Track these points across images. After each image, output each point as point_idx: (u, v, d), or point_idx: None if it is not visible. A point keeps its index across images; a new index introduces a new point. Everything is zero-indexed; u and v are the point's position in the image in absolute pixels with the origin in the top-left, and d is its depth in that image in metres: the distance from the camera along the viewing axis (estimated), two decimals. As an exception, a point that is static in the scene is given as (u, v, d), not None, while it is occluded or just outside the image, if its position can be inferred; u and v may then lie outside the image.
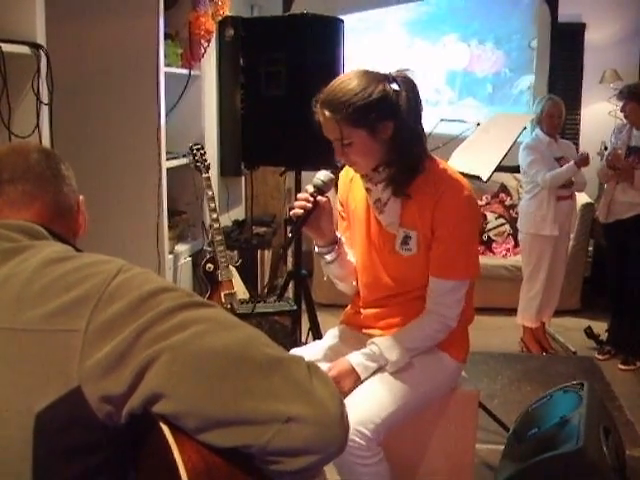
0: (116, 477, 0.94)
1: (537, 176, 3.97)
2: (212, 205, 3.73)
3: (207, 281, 3.82)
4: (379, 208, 1.96)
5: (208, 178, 3.75)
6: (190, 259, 3.98)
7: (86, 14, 3.27)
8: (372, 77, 1.84)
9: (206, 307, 0.97)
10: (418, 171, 1.89)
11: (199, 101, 4.05)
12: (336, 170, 2.00)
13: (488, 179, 3.07)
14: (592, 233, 4.91)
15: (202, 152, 3.78)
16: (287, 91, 2.99)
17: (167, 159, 3.50)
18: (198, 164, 3.75)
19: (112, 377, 0.90)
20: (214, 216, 3.73)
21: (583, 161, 3.89)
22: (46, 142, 2.44)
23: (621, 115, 4.13)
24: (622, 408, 3.40)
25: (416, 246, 1.93)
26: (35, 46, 2.37)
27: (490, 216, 5.35)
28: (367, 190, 1.98)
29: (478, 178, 3.02)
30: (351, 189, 2.09)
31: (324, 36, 3.07)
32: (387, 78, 1.85)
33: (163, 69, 3.37)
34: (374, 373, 1.92)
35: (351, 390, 1.88)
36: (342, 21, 3.15)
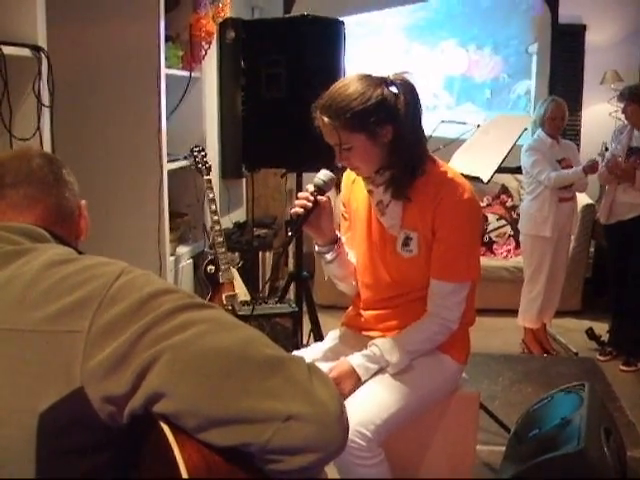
0: (117, 477, 0.94)
1: (541, 175, 3.97)
2: (213, 207, 3.74)
3: (208, 283, 3.82)
4: (381, 210, 1.97)
5: (209, 180, 3.76)
6: (191, 261, 3.98)
7: (87, 16, 3.28)
8: (370, 81, 1.84)
9: (207, 308, 0.98)
10: (418, 173, 1.90)
11: (200, 103, 4.05)
12: (337, 171, 2.00)
13: (489, 180, 3.07)
14: (593, 234, 4.91)
15: (203, 154, 3.79)
16: (288, 93, 2.99)
17: (168, 161, 3.50)
18: (199, 166, 3.76)
19: (114, 378, 0.90)
20: (215, 218, 3.73)
21: (591, 168, 3.89)
22: (47, 145, 2.44)
23: (622, 116, 4.14)
24: (623, 409, 3.40)
25: (417, 247, 1.93)
26: (36, 48, 2.37)
27: (491, 217, 5.35)
28: (369, 192, 1.99)
29: (479, 179, 3.03)
30: (353, 190, 2.10)
31: (325, 38, 3.07)
32: (385, 82, 1.86)
33: (164, 71, 3.37)
34: (375, 374, 1.92)
35: (351, 391, 1.88)
36: (343, 23, 3.14)
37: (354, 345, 2.04)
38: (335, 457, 0.95)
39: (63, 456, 0.91)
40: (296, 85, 2.97)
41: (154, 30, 3.29)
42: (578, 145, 4.90)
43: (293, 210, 1.92)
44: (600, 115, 5.52)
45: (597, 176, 4.14)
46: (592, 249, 5.10)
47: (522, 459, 2.23)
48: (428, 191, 1.89)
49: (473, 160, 3.15)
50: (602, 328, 4.31)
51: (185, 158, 3.83)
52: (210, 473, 0.90)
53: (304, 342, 3.09)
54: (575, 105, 5.58)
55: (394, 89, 1.85)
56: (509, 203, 5.42)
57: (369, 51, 5.49)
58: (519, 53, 5.68)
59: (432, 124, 3.29)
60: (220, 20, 4.07)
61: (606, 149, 4.13)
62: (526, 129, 3.33)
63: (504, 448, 2.48)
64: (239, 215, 4.95)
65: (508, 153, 3.09)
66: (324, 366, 1.92)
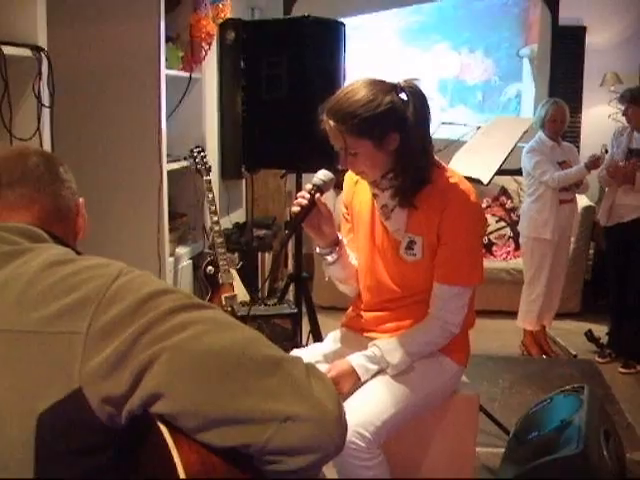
0: (116, 478, 0.94)
1: (544, 176, 3.96)
2: (213, 208, 3.74)
3: (208, 284, 3.82)
4: (386, 214, 1.96)
5: (209, 181, 3.76)
6: (191, 262, 3.98)
7: (87, 17, 3.28)
8: (380, 88, 1.82)
9: (205, 308, 0.98)
10: (425, 182, 1.89)
11: (200, 104, 4.05)
12: (337, 171, 1.99)
13: (489, 182, 3.07)
14: (593, 236, 4.91)
15: (203, 155, 3.79)
16: (288, 94, 2.99)
17: (168, 162, 3.50)
18: (199, 167, 3.76)
19: (113, 378, 0.90)
20: (215, 219, 3.73)
21: (593, 163, 3.88)
22: (47, 145, 2.44)
23: (622, 118, 4.13)
24: (622, 411, 3.40)
25: (421, 251, 1.92)
26: (36, 49, 2.37)
27: (491, 219, 5.34)
28: (374, 195, 1.98)
29: (479, 181, 3.02)
30: (356, 192, 2.09)
31: (325, 39, 3.07)
32: (395, 88, 1.84)
33: (164, 72, 3.37)
34: (375, 375, 1.92)
35: (350, 391, 1.88)
36: (343, 24, 3.14)
37: (354, 346, 2.04)
38: (334, 457, 0.95)
39: (62, 457, 0.91)
40: (296, 86, 2.97)
41: (154, 31, 3.29)
42: (578, 147, 4.89)
43: (292, 209, 1.92)
44: (600, 117, 5.52)
45: (597, 178, 4.15)
46: (592, 251, 5.10)
47: (521, 461, 2.23)
48: (434, 196, 1.88)
49: (473, 162, 3.15)
50: (601, 330, 4.31)
51: (185, 159, 3.83)
52: (208, 474, 0.90)
53: (303, 343, 3.08)
54: (575, 107, 5.57)
55: (404, 96, 1.83)
56: (508, 205, 5.42)
57: (363, 55, 5.50)
58: (510, 56, 5.77)
59: (430, 126, 3.28)
60: (220, 21, 4.07)
61: (606, 151, 4.12)
62: (527, 131, 3.33)
63: (503, 450, 2.48)
64: (239, 216, 4.95)
65: (508, 155, 3.09)
66: (323, 367, 1.92)
